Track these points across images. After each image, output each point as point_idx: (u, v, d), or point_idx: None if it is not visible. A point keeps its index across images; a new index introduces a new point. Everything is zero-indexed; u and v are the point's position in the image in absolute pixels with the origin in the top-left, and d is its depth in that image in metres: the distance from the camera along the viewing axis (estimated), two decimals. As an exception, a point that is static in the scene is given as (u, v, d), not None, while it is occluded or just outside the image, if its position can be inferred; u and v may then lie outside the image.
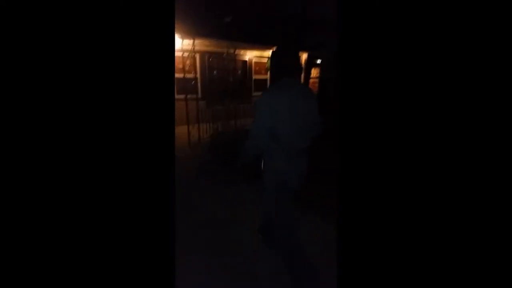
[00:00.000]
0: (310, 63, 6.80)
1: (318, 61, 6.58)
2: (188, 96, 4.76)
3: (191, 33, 3.96)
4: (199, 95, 5.36)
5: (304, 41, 5.24)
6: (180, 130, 5.09)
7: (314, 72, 6.88)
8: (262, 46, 5.54)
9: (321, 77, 6.49)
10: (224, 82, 6.02)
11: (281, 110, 1.29)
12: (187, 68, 5.29)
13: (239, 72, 6.70)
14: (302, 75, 6.62)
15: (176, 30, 3.76)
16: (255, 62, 7.64)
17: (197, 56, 5.58)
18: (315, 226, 2.18)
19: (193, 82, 4.82)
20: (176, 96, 5.73)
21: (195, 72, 5.57)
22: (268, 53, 6.91)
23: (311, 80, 7.12)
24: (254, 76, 7.74)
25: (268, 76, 7.06)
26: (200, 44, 4.77)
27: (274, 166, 1.44)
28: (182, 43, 4.30)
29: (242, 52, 6.82)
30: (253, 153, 1.46)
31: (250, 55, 7.31)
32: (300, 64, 1.47)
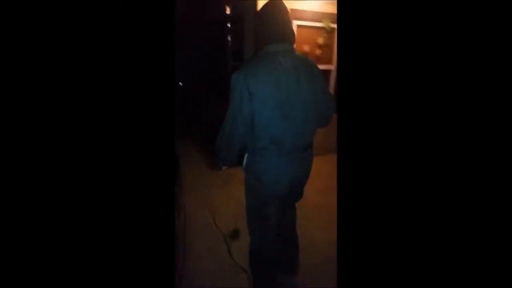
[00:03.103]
0: None
1: None
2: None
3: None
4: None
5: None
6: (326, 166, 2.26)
7: None
8: None
9: None
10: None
11: (265, 89, 0.97)
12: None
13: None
14: None
15: None
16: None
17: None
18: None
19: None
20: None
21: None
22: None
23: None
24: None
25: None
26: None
27: (258, 168, 1.10)
28: None
29: None
30: (232, 151, 1.10)
31: None
32: (292, 28, 1.08)
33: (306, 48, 2.96)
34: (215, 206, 2.22)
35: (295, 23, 2.79)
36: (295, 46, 1.11)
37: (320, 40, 2.90)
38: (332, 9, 2.79)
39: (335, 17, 2.64)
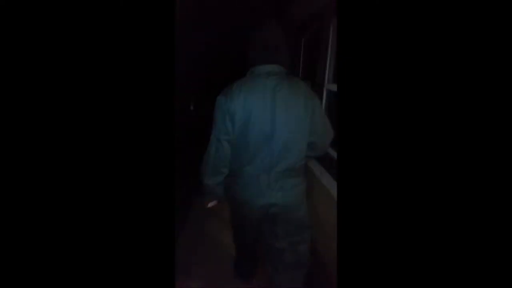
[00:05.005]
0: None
1: None
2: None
3: None
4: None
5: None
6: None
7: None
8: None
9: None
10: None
11: (246, 109, 0.97)
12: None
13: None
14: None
15: None
16: None
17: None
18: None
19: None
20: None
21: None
22: None
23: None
24: None
25: None
26: None
27: (235, 187, 1.09)
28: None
29: None
30: (217, 177, 1.09)
31: None
32: (287, 49, 1.06)
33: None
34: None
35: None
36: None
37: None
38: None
39: None
